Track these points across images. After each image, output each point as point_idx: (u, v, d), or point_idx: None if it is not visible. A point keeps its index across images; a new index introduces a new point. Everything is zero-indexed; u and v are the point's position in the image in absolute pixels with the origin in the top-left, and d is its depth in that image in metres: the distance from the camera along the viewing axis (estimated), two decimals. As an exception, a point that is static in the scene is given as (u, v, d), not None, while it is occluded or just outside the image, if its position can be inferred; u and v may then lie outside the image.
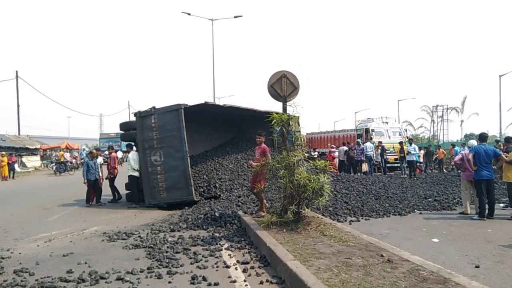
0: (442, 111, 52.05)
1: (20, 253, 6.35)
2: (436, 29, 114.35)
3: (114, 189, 12.69)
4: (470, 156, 8.74)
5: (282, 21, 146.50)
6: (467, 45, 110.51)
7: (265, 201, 8.12)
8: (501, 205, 9.84)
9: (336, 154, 20.71)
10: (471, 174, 8.98)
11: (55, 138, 59.32)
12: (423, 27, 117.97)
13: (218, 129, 14.71)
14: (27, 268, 5.37)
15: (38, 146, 35.23)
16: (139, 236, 7.22)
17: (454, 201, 10.54)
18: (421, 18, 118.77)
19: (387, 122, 24.13)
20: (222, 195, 10.94)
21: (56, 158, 33.52)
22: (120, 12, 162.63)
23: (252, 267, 5.14)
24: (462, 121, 52.79)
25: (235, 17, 28.77)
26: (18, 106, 34.37)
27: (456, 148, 20.69)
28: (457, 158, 9.96)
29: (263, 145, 8.05)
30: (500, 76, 34.17)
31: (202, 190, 11.37)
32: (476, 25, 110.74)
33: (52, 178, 24.08)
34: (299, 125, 7.85)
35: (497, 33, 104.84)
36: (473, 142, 9.71)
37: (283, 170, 6.76)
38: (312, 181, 6.46)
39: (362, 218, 8.57)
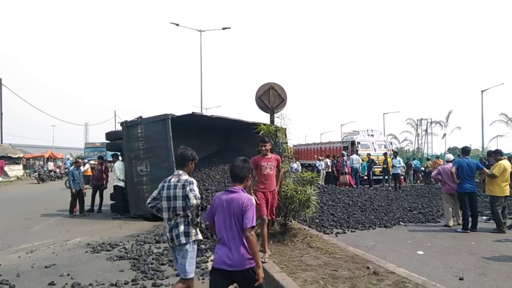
0: (426, 125, 52.94)
1: (0, 265, 6.19)
2: (421, 45, 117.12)
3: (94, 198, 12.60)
4: (453, 169, 8.89)
5: (270, 34, 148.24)
6: (451, 61, 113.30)
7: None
8: (484, 218, 10.00)
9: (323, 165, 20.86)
10: (450, 188, 9.16)
11: (39, 147, 58.41)
12: (409, 42, 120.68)
13: (205, 139, 14.68)
14: (8, 280, 5.23)
15: (21, 155, 34.57)
16: (124, 248, 7.12)
17: (438, 213, 10.67)
18: (407, 34, 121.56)
19: (372, 135, 24.43)
20: (208, 206, 10.85)
21: (40, 167, 32.88)
22: (108, 21, 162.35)
23: (238, 279, 5.10)
24: (444, 135, 53.68)
25: (223, 28, 28.94)
26: (1, 114, 33.76)
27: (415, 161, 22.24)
28: (434, 173, 10.16)
29: (273, 155, 6.27)
30: (482, 91, 34.99)
31: (188, 201, 11.27)
32: (459, 42, 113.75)
33: (35, 187, 23.57)
34: (286, 136, 7.88)
35: (480, 49, 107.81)
36: (450, 156, 9.96)
37: (270, 182, 6.74)
38: (299, 192, 6.49)
39: (348, 230, 8.60)
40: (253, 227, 3.09)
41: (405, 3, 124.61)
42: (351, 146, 23.70)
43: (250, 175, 3.38)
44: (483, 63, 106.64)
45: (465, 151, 9.26)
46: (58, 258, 6.54)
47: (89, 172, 22.39)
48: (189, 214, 3.83)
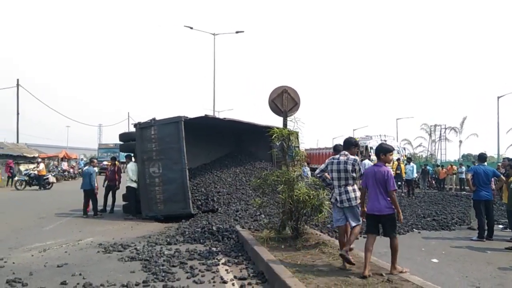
0: (440, 131, 52.26)
1: (13, 263, 6.24)
2: (436, 49, 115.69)
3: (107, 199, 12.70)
4: (469, 177, 8.74)
5: (283, 37, 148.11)
6: (466, 66, 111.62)
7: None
8: (500, 226, 9.80)
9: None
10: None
11: (54, 147, 59.11)
12: (423, 47, 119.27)
13: (217, 142, 14.69)
14: (20, 278, 5.27)
15: (36, 155, 35.03)
16: (135, 249, 7.13)
17: (453, 221, 10.49)
18: (421, 38, 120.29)
19: (385, 140, 24.18)
20: (220, 209, 10.85)
21: (54, 166, 33.22)
22: (123, 22, 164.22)
23: (249, 284, 5.07)
24: (460, 142, 52.92)
25: (237, 32, 28.99)
26: (18, 114, 34.31)
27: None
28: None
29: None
30: (498, 97, 34.32)
31: (199, 203, 11.28)
32: (476, 46, 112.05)
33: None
34: (298, 140, 7.81)
35: (496, 55, 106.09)
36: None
37: (282, 185, 6.72)
38: (311, 197, 6.42)
39: (360, 236, 8.43)
40: (395, 190, 4.94)
41: (420, 9, 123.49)
42: (364, 151, 23.49)
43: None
44: (500, 69, 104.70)
45: (482, 158, 9.09)
46: (70, 258, 6.58)
47: (44, 172, 22.43)
48: (356, 183, 5.43)
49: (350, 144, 5.65)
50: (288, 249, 6.22)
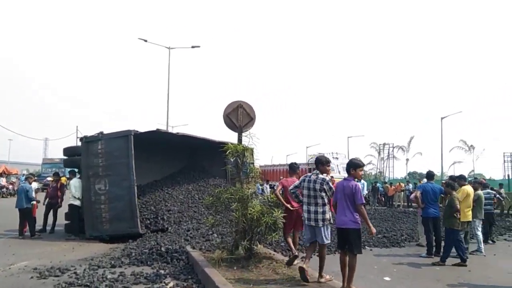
0: (388, 149, 54.58)
1: None
2: (384, 71, 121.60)
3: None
4: (418, 194, 8.96)
5: (238, 53, 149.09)
6: (413, 88, 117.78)
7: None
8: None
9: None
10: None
11: (-7, 162, 55.09)
12: (372, 69, 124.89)
13: (170, 158, 14.22)
14: None
15: (-29, 170, 32.46)
16: (75, 273, 6.52)
17: (402, 237, 10.70)
18: (371, 60, 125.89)
19: (337, 158, 24.84)
20: (170, 228, 10.38)
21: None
22: (73, 32, 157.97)
23: (198, 309, 4.74)
24: (407, 160, 55.46)
25: (193, 47, 28.79)
26: (-49, 125, 31.75)
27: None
28: (412, 195, 10.34)
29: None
30: (442, 118, 36.43)
31: (148, 222, 10.74)
32: (421, 70, 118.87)
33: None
34: (253, 156, 7.65)
35: (440, 78, 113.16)
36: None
37: (236, 203, 6.49)
38: (265, 215, 6.24)
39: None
40: (362, 203, 5.09)
41: (367, 30, 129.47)
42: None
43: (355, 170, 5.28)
44: (444, 92, 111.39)
45: (430, 176, 9.37)
46: (-2, 285, 5.92)
47: None
48: (325, 203, 5.40)
49: (319, 163, 5.68)
50: (240, 270, 5.97)
